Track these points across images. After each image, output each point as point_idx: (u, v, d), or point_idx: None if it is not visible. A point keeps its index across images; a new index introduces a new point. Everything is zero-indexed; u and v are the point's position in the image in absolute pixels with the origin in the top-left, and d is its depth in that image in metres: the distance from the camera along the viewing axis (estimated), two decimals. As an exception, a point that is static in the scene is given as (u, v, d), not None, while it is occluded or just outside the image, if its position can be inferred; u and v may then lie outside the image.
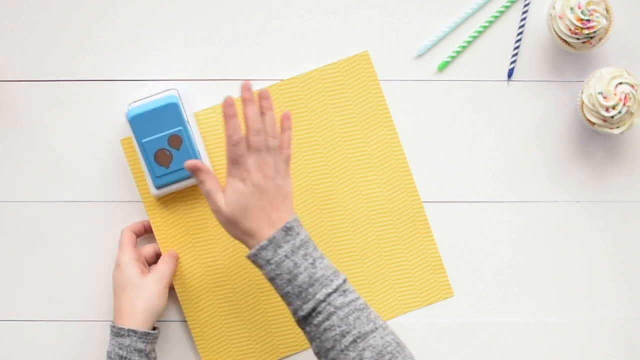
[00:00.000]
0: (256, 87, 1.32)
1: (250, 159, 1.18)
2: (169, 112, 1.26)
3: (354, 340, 1.13)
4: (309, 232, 1.25)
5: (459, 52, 1.33)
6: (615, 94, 1.25)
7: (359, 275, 1.31)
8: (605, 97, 1.25)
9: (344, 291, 1.15)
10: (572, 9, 1.26)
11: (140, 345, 1.23)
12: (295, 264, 1.15)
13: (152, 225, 1.30)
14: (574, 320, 1.33)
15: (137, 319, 1.23)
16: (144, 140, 1.26)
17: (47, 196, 1.32)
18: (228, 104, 1.18)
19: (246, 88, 1.19)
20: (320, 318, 1.14)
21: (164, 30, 1.32)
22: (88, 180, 1.32)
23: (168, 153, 1.26)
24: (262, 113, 1.20)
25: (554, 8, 1.28)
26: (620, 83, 1.25)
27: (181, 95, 1.29)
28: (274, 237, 1.15)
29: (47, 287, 1.32)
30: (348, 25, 1.32)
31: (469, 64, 1.33)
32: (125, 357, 1.22)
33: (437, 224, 1.32)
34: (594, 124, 1.28)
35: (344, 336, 1.13)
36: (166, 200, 1.30)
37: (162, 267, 1.27)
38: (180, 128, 1.26)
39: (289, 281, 1.15)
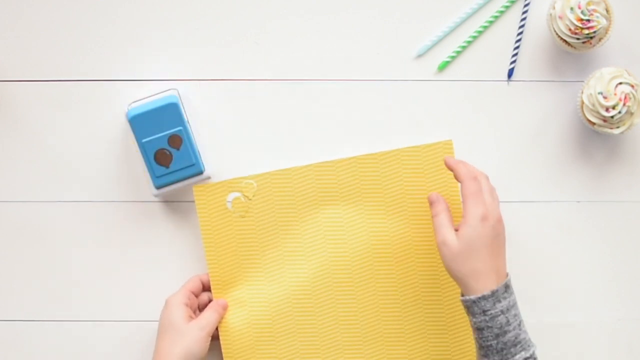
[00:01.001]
0: (256, 87, 1.32)
1: (487, 199, 1.19)
2: (169, 112, 1.26)
3: None
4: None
5: (459, 52, 1.33)
6: (615, 94, 1.25)
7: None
8: (605, 97, 1.25)
9: (535, 359, 1.18)
10: (572, 9, 1.26)
11: None
12: (508, 321, 1.17)
13: (209, 273, 1.29)
14: (574, 320, 1.33)
15: None
16: (144, 140, 1.26)
17: (47, 196, 1.32)
18: (449, 159, 1.23)
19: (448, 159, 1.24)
20: None
21: (164, 30, 1.32)
22: (88, 180, 1.32)
23: (168, 153, 1.26)
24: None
25: (554, 8, 1.28)
26: (620, 83, 1.25)
27: (181, 95, 1.29)
28: (497, 290, 1.17)
29: (47, 287, 1.32)
30: (348, 25, 1.32)
31: (469, 64, 1.33)
32: None
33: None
34: (594, 124, 1.28)
35: None
36: (227, 253, 1.29)
37: (207, 315, 1.26)
38: (180, 128, 1.26)
39: (497, 336, 1.17)
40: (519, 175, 1.33)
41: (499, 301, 1.16)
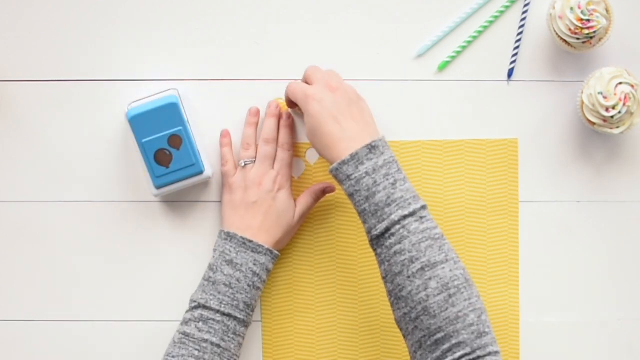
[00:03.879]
0: (256, 87, 1.32)
1: (313, 82, 1.22)
2: (169, 112, 1.26)
3: (422, 268, 1.12)
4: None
5: (459, 52, 1.32)
6: (615, 94, 1.25)
7: None
8: (605, 97, 1.25)
9: (421, 217, 1.14)
10: (572, 9, 1.26)
11: (270, 267, 1.26)
12: (375, 182, 1.15)
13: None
14: (574, 320, 1.33)
15: (274, 237, 1.26)
16: (144, 140, 1.26)
17: (47, 196, 1.32)
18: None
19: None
20: (392, 240, 1.13)
21: (164, 30, 1.32)
22: (88, 180, 1.32)
23: (168, 153, 1.26)
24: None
25: (554, 8, 1.28)
26: (620, 83, 1.25)
27: (181, 95, 1.29)
28: (356, 153, 1.15)
29: (47, 287, 1.32)
30: (348, 25, 1.32)
31: (469, 64, 1.33)
32: (258, 275, 1.24)
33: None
34: (594, 124, 1.27)
35: (412, 262, 1.12)
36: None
37: (304, 200, 1.29)
38: (180, 128, 1.26)
39: (367, 198, 1.15)
40: (519, 175, 1.33)
41: (362, 163, 1.15)
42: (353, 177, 1.15)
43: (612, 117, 1.25)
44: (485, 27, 1.33)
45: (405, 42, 1.32)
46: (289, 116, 1.30)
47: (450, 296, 1.11)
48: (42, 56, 1.32)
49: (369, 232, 1.15)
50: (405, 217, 1.13)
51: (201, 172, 1.28)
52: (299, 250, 1.31)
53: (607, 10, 1.27)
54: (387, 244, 1.13)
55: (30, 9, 1.32)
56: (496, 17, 1.33)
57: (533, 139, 1.33)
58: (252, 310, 1.25)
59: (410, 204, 1.14)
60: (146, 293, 1.32)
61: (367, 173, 1.15)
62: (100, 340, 1.32)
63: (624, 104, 1.25)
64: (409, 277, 1.12)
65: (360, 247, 1.31)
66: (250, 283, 1.23)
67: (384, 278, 1.15)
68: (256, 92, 1.32)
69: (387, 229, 1.13)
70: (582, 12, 1.25)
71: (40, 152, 1.32)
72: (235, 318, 1.23)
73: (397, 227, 1.13)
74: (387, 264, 1.14)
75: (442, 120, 1.32)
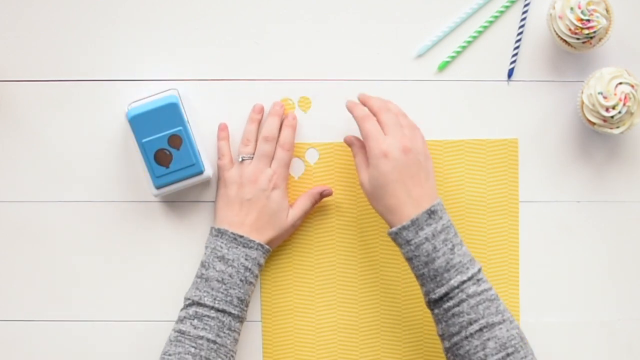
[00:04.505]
0: (256, 87, 1.32)
1: (389, 134, 1.20)
2: (169, 112, 1.26)
3: (480, 329, 1.15)
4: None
5: (459, 52, 1.32)
6: (615, 94, 1.25)
7: None
8: (605, 97, 1.25)
9: (478, 280, 1.16)
10: (572, 9, 1.26)
11: (262, 261, 1.26)
12: (434, 247, 1.16)
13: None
14: (574, 320, 1.33)
15: (265, 236, 1.26)
16: (144, 140, 1.26)
17: (47, 196, 1.32)
18: (349, 102, 1.24)
19: (360, 98, 1.25)
20: (450, 303, 1.16)
21: (164, 30, 1.32)
22: (88, 180, 1.32)
23: (168, 153, 1.26)
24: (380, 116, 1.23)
25: (554, 8, 1.28)
26: (620, 83, 1.25)
27: (181, 95, 1.29)
28: (416, 219, 1.17)
29: (47, 287, 1.32)
30: (348, 25, 1.32)
31: (469, 64, 1.33)
32: (250, 269, 1.24)
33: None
34: (594, 124, 1.27)
35: (470, 324, 1.15)
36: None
37: (301, 202, 1.29)
38: (180, 128, 1.26)
39: (426, 264, 1.17)
40: (519, 175, 1.33)
41: (422, 229, 1.17)
42: (413, 242, 1.18)
43: (612, 117, 1.25)
44: (485, 27, 1.33)
45: (405, 42, 1.32)
46: (294, 117, 1.30)
47: (507, 355, 1.15)
48: (42, 56, 1.32)
49: (426, 294, 1.18)
50: (464, 282, 1.16)
51: (201, 172, 1.28)
52: (299, 250, 1.31)
53: (607, 10, 1.27)
54: (445, 306, 1.16)
55: (30, 9, 1.32)
56: (496, 17, 1.33)
57: (533, 139, 1.33)
58: (246, 306, 1.25)
59: (468, 268, 1.17)
60: (146, 293, 1.32)
61: (426, 239, 1.17)
62: (100, 340, 1.32)
63: (624, 104, 1.25)
64: (467, 337, 1.15)
65: (360, 246, 1.31)
66: (243, 278, 1.24)
67: (440, 336, 1.18)
68: (256, 92, 1.32)
69: (446, 294, 1.16)
70: (582, 12, 1.25)
71: (40, 152, 1.32)
72: (229, 314, 1.23)
73: (456, 291, 1.16)
74: (444, 323, 1.17)
75: (442, 120, 1.32)
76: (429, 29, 1.32)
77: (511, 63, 1.32)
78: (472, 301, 1.15)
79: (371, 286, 1.31)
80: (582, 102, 1.28)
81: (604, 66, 1.29)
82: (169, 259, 1.32)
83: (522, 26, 1.32)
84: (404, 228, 1.17)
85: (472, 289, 1.16)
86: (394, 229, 1.18)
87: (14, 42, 1.32)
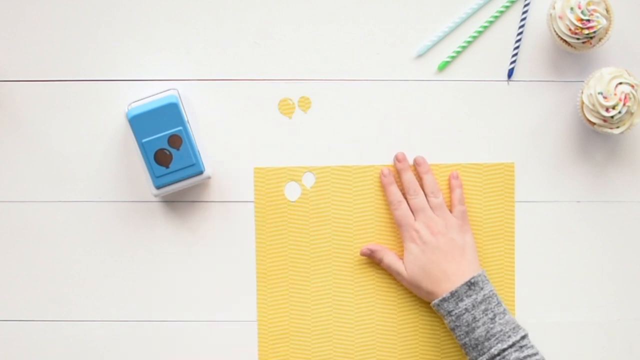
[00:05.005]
0: (257, 87, 1.32)
1: (416, 220, 1.27)
2: (169, 112, 1.26)
3: None
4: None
5: (459, 52, 1.33)
6: (615, 94, 1.25)
7: None
8: (605, 97, 1.25)
9: (521, 347, 1.20)
10: (572, 9, 1.26)
11: None
12: (474, 317, 1.21)
13: (257, 254, 1.32)
14: (574, 320, 1.33)
15: None
16: (144, 140, 1.26)
17: (47, 196, 1.32)
18: (384, 175, 1.29)
19: (399, 159, 1.30)
20: None
21: (164, 30, 1.32)
22: (88, 180, 1.32)
23: (168, 153, 1.26)
24: (420, 178, 1.29)
25: (554, 8, 1.28)
26: (620, 83, 1.25)
27: (181, 95, 1.29)
28: (456, 291, 1.22)
29: (47, 287, 1.32)
30: (348, 25, 1.32)
31: (469, 64, 1.33)
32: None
33: (437, 224, 1.33)
34: (594, 124, 1.27)
35: None
36: (276, 238, 1.31)
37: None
38: (180, 128, 1.26)
39: (467, 333, 1.21)
40: (519, 175, 1.33)
41: (462, 300, 1.21)
42: (453, 313, 1.22)
43: (612, 117, 1.25)
44: (485, 27, 1.33)
45: (405, 42, 1.32)
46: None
47: None
48: (42, 56, 1.32)
49: None
50: (504, 349, 1.20)
51: (201, 172, 1.28)
52: (295, 251, 1.31)
53: (607, 10, 1.27)
54: None
55: (30, 9, 1.32)
56: (496, 17, 1.33)
57: (533, 139, 1.33)
58: None
59: (509, 336, 1.20)
60: (146, 293, 1.32)
61: (466, 309, 1.21)
62: (100, 340, 1.32)
63: (624, 104, 1.25)
64: None
65: (356, 249, 1.31)
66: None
67: None
68: (256, 92, 1.32)
69: None
70: (582, 12, 1.25)
71: (40, 152, 1.32)
72: None
73: (498, 358, 1.19)
74: None
75: (442, 120, 1.32)
76: (429, 29, 1.32)
77: (511, 63, 1.32)
78: None
79: (367, 287, 1.31)
80: (582, 102, 1.28)
81: (604, 66, 1.29)
82: (169, 259, 1.32)
83: (522, 26, 1.32)
84: (444, 300, 1.22)
85: (514, 355, 1.19)
86: (435, 300, 1.23)
87: (14, 42, 1.32)
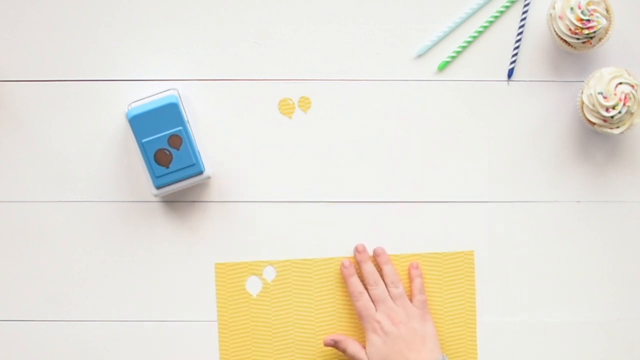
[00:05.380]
0: (257, 87, 1.32)
1: (377, 310, 1.27)
2: (169, 112, 1.26)
3: None
4: None
5: (459, 52, 1.33)
6: (615, 94, 1.25)
7: None
8: (605, 97, 1.25)
9: None
10: (572, 9, 1.26)
11: None
12: None
13: (220, 350, 1.31)
14: (574, 320, 1.33)
15: None
16: (144, 140, 1.26)
17: (47, 196, 1.32)
18: (345, 267, 1.30)
19: (359, 250, 1.31)
20: None
21: (164, 30, 1.32)
22: (88, 180, 1.32)
23: (168, 153, 1.26)
24: (380, 268, 1.30)
25: (554, 8, 1.28)
26: (620, 83, 1.25)
27: (181, 95, 1.29)
28: None
29: (47, 287, 1.32)
30: (348, 25, 1.32)
31: (469, 64, 1.33)
32: None
33: (437, 224, 1.33)
34: (594, 124, 1.27)
35: None
36: (240, 332, 1.31)
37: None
38: (180, 128, 1.26)
39: None
40: (518, 175, 1.33)
41: None
42: None
43: (612, 117, 1.25)
44: (485, 27, 1.33)
45: (405, 42, 1.32)
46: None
47: None
48: (42, 56, 1.32)
49: None
50: None
51: (201, 172, 1.28)
52: (258, 344, 1.31)
53: (607, 10, 1.27)
54: None
55: (30, 9, 1.32)
56: (496, 17, 1.33)
57: (533, 139, 1.33)
58: None
59: None
60: (146, 293, 1.32)
61: None
62: (100, 340, 1.32)
63: (624, 104, 1.25)
64: None
65: (319, 340, 1.31)
66: None
67: None
68: (256, 92, 1.32)
69: None
70: (582, 12, 1.25)
71: (40, 152, 1.32)
72: None
73: None
74: None
75: (442, 120, 1.32)
76: (429, 29, 1.32)
77: (511, 63, 1.32)
78: None
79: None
80: (582, 102, 1.28)
81: (604, 66, 1.29)
82: (169, 259, 1.32)
83: (522, 26, 1.32)
84: None
85: None
86: None
87: (14, 42, 1.32)
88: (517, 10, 1.33)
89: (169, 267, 1.32)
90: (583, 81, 1.31)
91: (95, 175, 1.32)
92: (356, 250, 1.31)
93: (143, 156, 1.27)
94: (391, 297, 1.28)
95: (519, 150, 1.33)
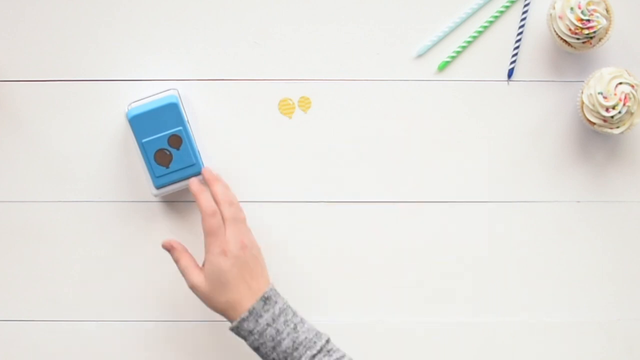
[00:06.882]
0: (257, 87, 1.32)
1: (227, 230, 1.21)
2: (169, 112, 1.26)
3: None
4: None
5: (459, 52, 1.33)
6: (615, 94, 1.25)
7: None
8: (605, 97, 1.25)
9: (328, 351, 1.19)
10: (572, 9, 1.26)
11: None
12: (278, 331, 1.18)
13: None
14: (574, 320, 1.33)
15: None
16: (144, 140, 1.26)
17: (47, 196, 1.32)
18: (193, 184, 1.23)
19: (206, 171, 1.25)
20: None
21: (164, 30, 1.32)
22: (88, 180, 1.32)
23: (168, 153, 1.26)
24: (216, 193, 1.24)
25: (554, 8, 1.28)
26: (620, 83, 1.25)
27: (181, 95, 1.29)
28: (253, 308, 1.19)
29: (47, 287, 1.32)
30: (348, 25, 1.32)
31: (469, 64, 1.33)
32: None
33: (438, 224, 1.33)
34: (594, 124, 1.28)
35: None
36: None
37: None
38: (180, 128, 1.26)
39: (274, 348, 1.18)
40: (518, 175, 1.33)
41: (261, 316, 1.19)
42: (255, 331, 1.19)
43: (612, 117, 1.26)
44: (485, 27, 1.33)
45: (405, 42, 1.33)
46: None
47: None
48: (42, 56, 1.32)
49: None
50: (314, 355, 1.18)
51: (201, 172, 1.28)
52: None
53: (607, 10, 1.27)
54: None
55: (30, 9, 1.32)
56: (496, 17, 1.33)
57: (533, 139, 1.33)
58: None
59: (315, 342, 1.18)
60: (146, 293, 1.32)
61: (267, 324, 1.19)
62: (100, 340, 1.32)
63: (624, 104, 1.25)
64: None
65: None
66: None
67: None
68: (256, 92, 1.32)
69: None
70: (582, 12, 1.25)
71: (40, 152, 1.32)
72: None
73: None
74: None
75: (442, 120, 1.32)
76: (429, 29, 1.33)
77: (511, 63, 1.33)
78: None
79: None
80: (582, 102, 1.28)
81: (604, 66, 1.29)
82: (169, 259, 1.32)
83: (522, 26, 1.32)
84: (243, 320, 1.19)
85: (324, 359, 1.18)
86: (234, 322, 1.19)
87: (14, 42, 1.32)
88: (517, 10, 1.33)
89: (169, 267, 1.32)
90: (583, 81, 1.31)
91: (95, 175, 1.32)
92: (203, 172, 1.25)
93: (143, 156, 1.27)
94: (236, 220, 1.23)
95: (519, 150, 1.33)
